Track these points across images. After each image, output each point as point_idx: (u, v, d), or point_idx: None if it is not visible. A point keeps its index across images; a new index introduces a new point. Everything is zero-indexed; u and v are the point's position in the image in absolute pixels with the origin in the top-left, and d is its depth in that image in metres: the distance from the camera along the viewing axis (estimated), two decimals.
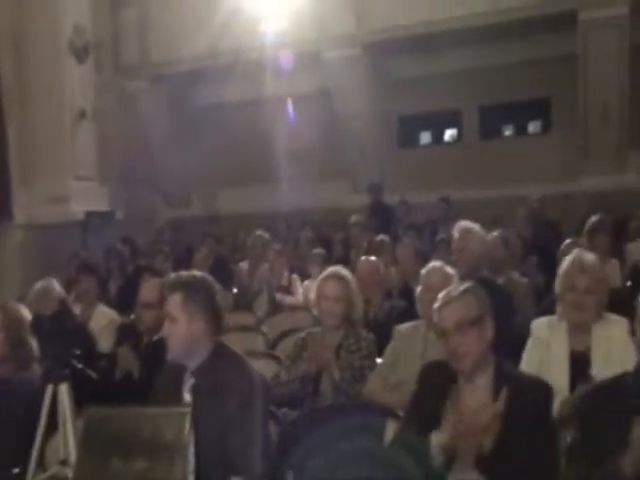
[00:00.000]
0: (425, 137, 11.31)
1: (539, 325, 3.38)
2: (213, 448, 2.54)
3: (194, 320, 2.69)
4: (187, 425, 1.94)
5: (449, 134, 11.21)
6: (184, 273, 2.89)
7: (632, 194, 8.67)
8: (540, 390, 2.58)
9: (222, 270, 6.93)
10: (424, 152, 11.09)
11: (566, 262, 3.32)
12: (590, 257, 3.32)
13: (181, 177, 11.23)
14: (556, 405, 2.96)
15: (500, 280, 4.90)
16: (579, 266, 3.25)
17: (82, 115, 9.42)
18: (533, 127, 10.71)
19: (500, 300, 4.10)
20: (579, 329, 3.23)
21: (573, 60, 8.86)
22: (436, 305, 2.68)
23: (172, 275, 2.97)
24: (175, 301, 2.71)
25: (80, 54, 9.42)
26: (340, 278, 3.67)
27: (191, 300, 2.70)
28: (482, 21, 8.69)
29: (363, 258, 4.94)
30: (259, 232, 6.79)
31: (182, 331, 2.69)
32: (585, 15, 8.42)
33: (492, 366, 2.60)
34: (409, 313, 4.00)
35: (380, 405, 3.16)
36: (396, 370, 3.49)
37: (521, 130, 10.77)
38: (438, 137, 11.26)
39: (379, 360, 3.66)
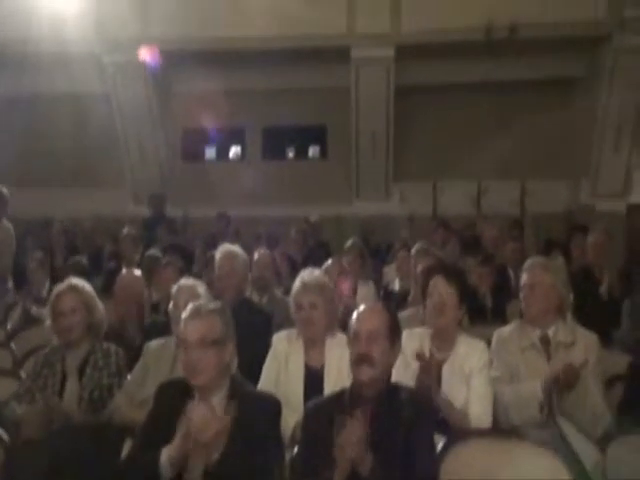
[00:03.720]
0: (210, 152, 11.40)
1: (279, 338, 3.55)
2: None
3: None
4: None
5: (233, 151, 11.41)
6: None
7: (395, 220, 9.50)
8: (269, 406, 2.73)
9: None
10: (208, 167, 11.15)
11: (295, 283, 3.55)
12: (314, 275, 3.57)
13: None
14: (292, 423, 3.15)
15: (264, 298, 5.11)
16: (302, 285, 3.49)
17: None
18: (312, 151, 11.18)
19: (260, 320, 4.33)
20: (313, 344, 3.44)
21: (347, 92, 9.43)
22: (183, 316, 2.74)
23: None
24: None
25: None
26: (73, 289, 3.59)
27: None
28: (268, 45, 8.91)
29: (124, 271, 4.85)
30: None
31: None
32: (357, 53, 8.98)
33: (227, 384, 2.71)
34: (169, 329, 4.02)
35: (120, 423, 3.15)
36: (144, 387, 3.46)
37: (301, 153, 11.18)
38: (223, 153, 11.38)
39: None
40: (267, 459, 2.60)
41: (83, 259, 6.47)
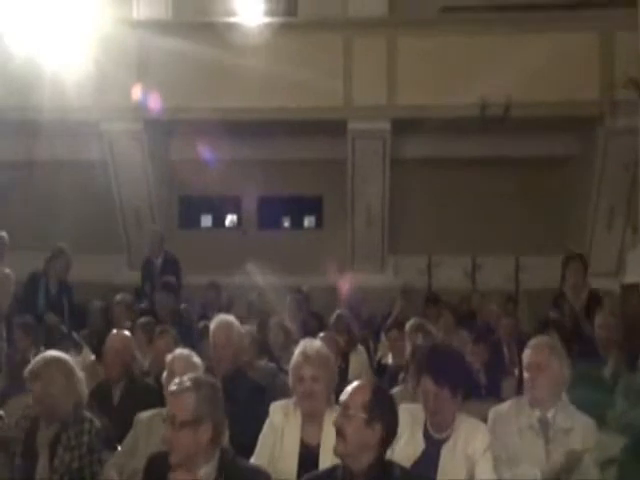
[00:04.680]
0: (206, 220, 11.45)
1: (275, 409, 3.44)
2: None
3: None
4: None
5: (229, 219, 11.47)
6: None
7: (390, 292, 9.44)
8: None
9: None
10: (204, 234, 11.17)
11: (294, 354, 3.46)
12: (315, 346, 3.47)
13: None
14: None
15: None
16: (304, 357, 3.39)
17: None
18: (308, 222, 11.25)
19: (254, 391, 4.24)
20: (312, 418, 3.34)
21: (344, 164, 9.56)
22: (169, 389, 2.72)
23: None
24: None
25: None
26: (46, 372, 3.39)
27: None
28: (266, 116, 9.08)
29: (114, 331, 4.73)
30: None
31: None
32: (353, 125, 9.14)
33: (216, 457, 2.64)
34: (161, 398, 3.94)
35: None
36: (134, 458, 3.39)
37: (297, 223, 11.24)
38: (219, 221, 11.42)
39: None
40: None
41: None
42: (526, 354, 3.46)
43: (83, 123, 9.19)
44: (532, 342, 3.52)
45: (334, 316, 6.60)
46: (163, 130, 9.70)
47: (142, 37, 9.14)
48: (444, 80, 8.72)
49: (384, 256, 10.13)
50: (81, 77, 8.62)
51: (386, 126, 9.12)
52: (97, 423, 3.42)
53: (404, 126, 8.99)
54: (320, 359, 3.39)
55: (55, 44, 8.71)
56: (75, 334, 6.34)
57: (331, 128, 9.14)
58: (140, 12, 9.44)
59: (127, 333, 4.71)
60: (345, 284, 6.11)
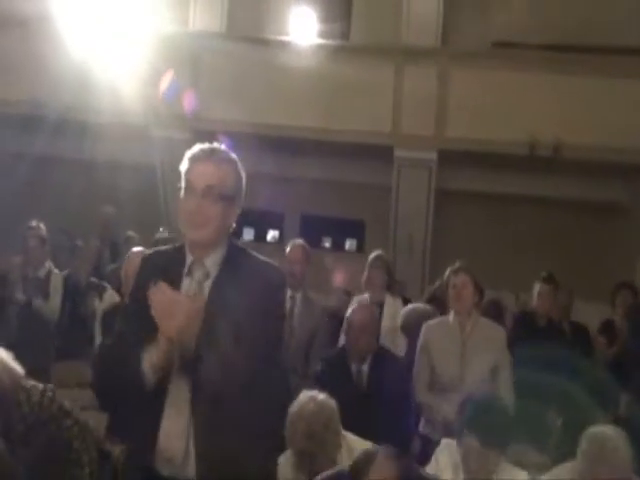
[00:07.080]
0: (248, 233, 11.49)
1: (283, 463, 2.97)
2: None
3: None
4: None
5: (271, 235, 11.48)
6: None
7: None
8: (270, 277, 2.38)
9: None
10: (247, 247, 11.16)
11: (294, 407, 3.06)
12: (316, 411, 3.02)
13: None
14: None
15: (297, 295, 5.19)
16: (299, 425, 2.98)
17: None
18: (349, 244, 11.21)
19: None
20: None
21: (388, 191, 9.48)
22: (189, 155, 2.41)
23: None
24: None
25: None
26: None
27: None
28: (313, 136, 9.08)
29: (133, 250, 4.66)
30: None
31: None
32: (400, 152, 9.07)
33: (224, 247, 2.39)
34: None
35: None
36: None
37: (338, 245, 11.21)
38: (261, 235, 11.46)
39: None
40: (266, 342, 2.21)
41: None
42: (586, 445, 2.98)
43: (135, 127, 9.32)
44: (594, 434, 3.00)
45: (372, 255, 5.81)
46: (211, 141, 9.74)
47: (196, 47, 9.25)
48: (493, 115, 8.62)
49: (424, 286, 9.93)
50: (135, 82, 8.77)
51: (432, 156, 9.04)
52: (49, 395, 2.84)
53: (451, 158, 8.87)
54: (318, 430, 2.92)
55: (112, 46, 8.92)
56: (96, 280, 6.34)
57: (378, 153, 9.08)
58: (196, 22, 9.61)
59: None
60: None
